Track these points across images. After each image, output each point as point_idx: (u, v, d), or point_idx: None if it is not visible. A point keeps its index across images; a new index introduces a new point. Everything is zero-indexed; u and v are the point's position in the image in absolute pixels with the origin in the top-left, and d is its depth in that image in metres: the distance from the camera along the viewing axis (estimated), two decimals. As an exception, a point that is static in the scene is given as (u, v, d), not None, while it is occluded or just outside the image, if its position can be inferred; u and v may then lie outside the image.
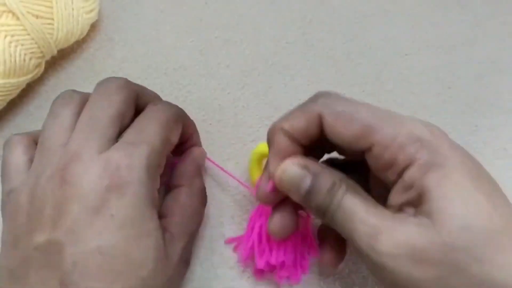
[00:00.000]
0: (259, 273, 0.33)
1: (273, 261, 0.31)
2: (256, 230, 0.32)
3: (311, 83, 0.40)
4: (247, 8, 0.43)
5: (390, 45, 0.42)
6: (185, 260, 0.30)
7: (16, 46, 0.34)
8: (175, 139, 0.30)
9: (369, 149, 0.26)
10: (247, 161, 0.35)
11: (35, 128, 0.38)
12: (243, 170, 0.36)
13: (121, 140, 0.28)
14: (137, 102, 0.30)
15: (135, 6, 0.42)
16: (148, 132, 0.28)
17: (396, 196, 0.26)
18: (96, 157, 0.26)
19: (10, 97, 0.37)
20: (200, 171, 0.33)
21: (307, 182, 0.27)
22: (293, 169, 0.27)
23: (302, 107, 0.28)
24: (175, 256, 0.28)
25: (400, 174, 0.26)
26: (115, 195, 0.25)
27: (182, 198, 0.31)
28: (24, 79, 0.36)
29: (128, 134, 0.28)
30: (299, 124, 0.27)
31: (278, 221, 0.29)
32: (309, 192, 0.27)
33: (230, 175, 0.35)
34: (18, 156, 0.29)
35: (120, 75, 0.40)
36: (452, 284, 0.23)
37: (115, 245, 0.25)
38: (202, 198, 0.32)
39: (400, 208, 0.26)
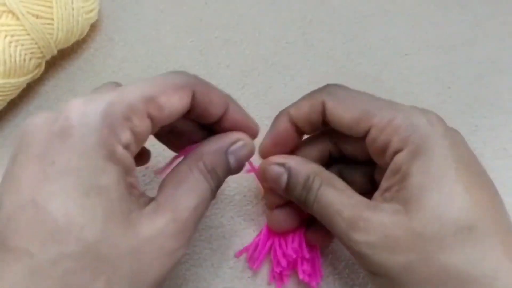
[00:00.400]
0: (278, 277, 0.33)
1: (290, 251, 0.31)
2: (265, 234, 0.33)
3: (311, 83, 0.40)
4: (247, 8, 0.43)
5: (390, 45, 0.42)
6: (173, 239, 0.24)
7: (16, 46, 0.34)
8: (170, 104, 0.24)
9: (367, 132, 0.27)
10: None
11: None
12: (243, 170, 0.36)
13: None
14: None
15: (135, 6, 0.42)
16: (129, 87, 0.24)
17: (385, 179, 0.27)
18: (60, 107, 0.23)
19: (10, 97, 0.37)
20: (221, 150, 0.27)
21: (284, 178, 0.29)
22: (271, 167, 0.29)
23: (308, 95, 0.30)
24: (147, 228, 0.23)
25: (392, 158, 0.26)
26: (59, 140, 0.21)
27: (182, 168, 0.26)
28: (24, 79, 0.36)
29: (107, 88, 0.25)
30: (303, 109, 0.29)
31: (278, 214, 0.32)
32: (287, 187, 0.29)
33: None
34: None
35: (120, 75, 0.40)
36: (419, 271, 0.24)
37: (51, 198, 0.21)
38: (209, 176, 0.26)
39: (383, 192, 0.26)
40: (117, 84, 0.27)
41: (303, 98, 0.30)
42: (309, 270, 0.32)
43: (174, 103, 0.25)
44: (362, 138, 0.27)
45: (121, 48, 0.41)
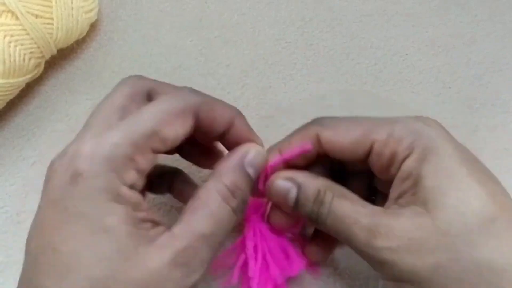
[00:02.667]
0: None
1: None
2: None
3: (311, 83, 0.40)
4: (247, 8, 0.43)
5: (390, 45, 0.42)
6: (184, 268, 0.24)
7: (15, 46, 0.34)
8: (173, 133, 0.25)
9: (369, 150, 0.27)
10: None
11: (35, 128, 0.38)
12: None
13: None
14: (153, 97, 0.27)
15: (135, 6, 0.42)
16: (131, 121, 0.25)
17: (394, 189, 0.26)
18: (71, 147, 0.25)
19: (10, 97, 0.36)
20: (238, 166, 0.27)
21: (293, 193, 0.28)
22: (279, 182, 0.28)
23: (298, 130, 0.29)
24: (155, 261, 0.24)
25: (400, 167, 0.26)
26: (71, 187, 0.24)
27: (201, 193, 0.26)
28: (23, 79, 0.36)
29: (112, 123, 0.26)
30: (295, 145, 0.28)
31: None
32: (297, 203, 0.28)
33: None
34: None
35: (120, 75, 0.40)
36: (450, 270, 0.24)
37: (65, 241, 0.23)
38: (231, 196, 0.26)
39: (396, 200, 0.26)
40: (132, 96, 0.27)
41: (293, 134, 0.29)
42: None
43: (177, 131, 0.25)
44: (362, 159, 0.27)
45: (121, 48, 0.41)
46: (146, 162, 0.25)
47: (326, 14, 0.43)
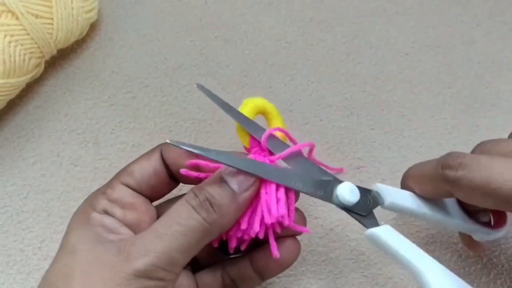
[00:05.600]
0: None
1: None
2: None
3: (311, 83, 0.40)
4: (247, 8, 0.43)
5: (390, 45, 0.42)
6: (147, 277, 0.24)
7: (15, 46, 0.34)
8: (138, 166, 0.29)
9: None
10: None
11: (35, 128, 0.38)
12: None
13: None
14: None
15: (135, 6, 0.42)
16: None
17: None
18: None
19: (10, 97, 0.36)
20: (216, 177, 0.27)
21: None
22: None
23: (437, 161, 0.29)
24: (119, 273, 0.24)
25: None
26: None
27: (162, 211, 0.28)
28: (23, 79, 0.36)
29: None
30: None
31: None
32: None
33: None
34: None
35: (120, 75, 0.40)
36: None
37: (52, 265, 0.26)
38: (201, 207, 0.26)
39: None
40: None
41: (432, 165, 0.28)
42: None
43: (142, 164, 0.29)
44: None
45: (121, 48, 0.41)
46: (115, 192, 0.28)
47: (326, 14, 0.43)
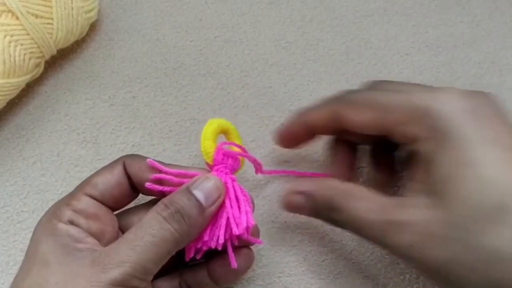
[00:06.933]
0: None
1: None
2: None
3: (311, 83, 0.40)
4: (247, 8, 0.43)
5: (390, 45, 0.42)
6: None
7: (15, 46, 0.34)
8: (102, 178, 0.30)
9: (388, 130, 0.28)
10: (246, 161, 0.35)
11: (35, 128, 0.38)
12: (245, 168, 0.36)
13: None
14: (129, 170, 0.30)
15: (135, 6, 0.42)
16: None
17: (410, 173, 0.27)
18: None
19: (10, 97, 0.36)
20: (183, 189, 0.28)
21: (306, 207, 0.30)
22: (292, 198, 0.30)
23: (325, 102, 0.31)
24: (86, 282, 0.25)
25: (416, 148, 0.26)
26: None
27: (135, 221, 0.30)
28: (23, 79, 0.36)
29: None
30: (320, 115, 0.31)
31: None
32: (314, 214, 0.30)
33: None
34: None
35: (120, 75, 0.40)
36: (463, 260, 0.24)
37: (18, 274, 0.28)
38: (172, 218, 0.27)
39: (411, 186, 0.27)
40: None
41: (321, 104, 0.31)
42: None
43: (106, 176, 0.30)
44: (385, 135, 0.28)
45: (121, 48, 0.41)
46: (80, 203, 0.29)
47: (326, 14, 0.43)
